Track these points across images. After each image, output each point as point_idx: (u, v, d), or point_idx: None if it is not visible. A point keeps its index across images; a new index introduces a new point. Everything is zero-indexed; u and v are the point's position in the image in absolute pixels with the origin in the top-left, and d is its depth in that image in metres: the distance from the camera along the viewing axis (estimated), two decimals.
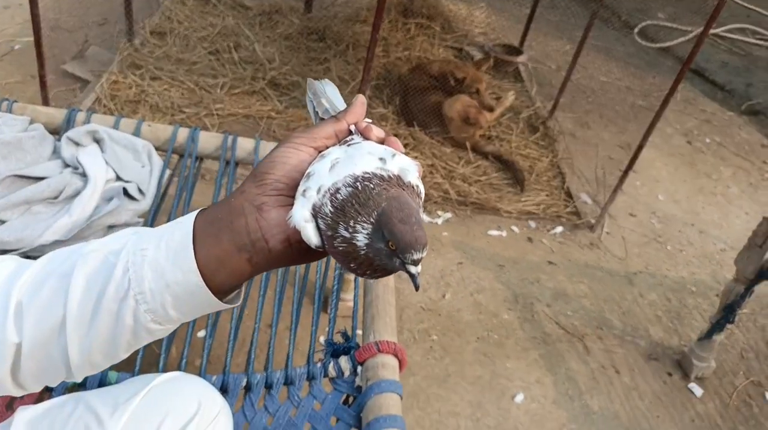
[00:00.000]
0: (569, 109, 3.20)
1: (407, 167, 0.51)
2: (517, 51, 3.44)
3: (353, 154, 0.50)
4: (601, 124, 3.22)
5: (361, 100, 0.55)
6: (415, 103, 2.70)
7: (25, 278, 0.52)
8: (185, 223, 0.49)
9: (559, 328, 2.06)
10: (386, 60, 3.15)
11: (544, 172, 2.73)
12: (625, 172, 2.39)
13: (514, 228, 2.45)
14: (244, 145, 1.53)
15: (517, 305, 2.12)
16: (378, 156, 0.50)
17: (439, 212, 2.42)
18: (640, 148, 2.34)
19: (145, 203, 1.35)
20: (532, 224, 2.50)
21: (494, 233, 2.40)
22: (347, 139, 0.54)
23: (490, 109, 2.74)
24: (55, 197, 1.24)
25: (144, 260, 0.47)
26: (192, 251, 0.47)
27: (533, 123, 3.03)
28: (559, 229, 2.49)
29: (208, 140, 1.52)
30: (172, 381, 0.87)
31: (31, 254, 1.18)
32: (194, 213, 0.50)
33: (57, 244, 1.19)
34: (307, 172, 0.49)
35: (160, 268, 0.47)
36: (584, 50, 2.89)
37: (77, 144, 1.34)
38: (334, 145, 0.53)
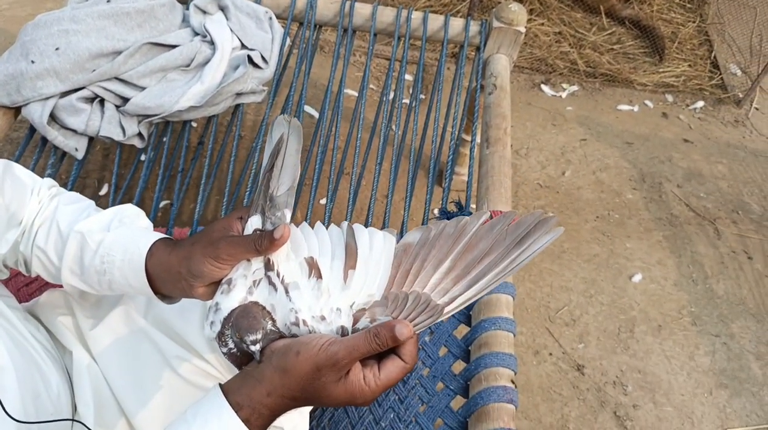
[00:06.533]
0: None
1: None
2: None
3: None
4: None
5: (285, 235, 0.59)
6: None
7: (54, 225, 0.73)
8: (140, 259, 0.67)
9: (688, 210, 1.95)
10: None
11: (689, 39, 2.44)
12: None
13: (648, 102, 2.26)
14: (362, 11, 1.50)
15: (644, 184, 2.00)
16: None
17: (564, 85, 2.28)
18: None
19: (269, 71, 1.38)
20: (669, 97, 2.29)
21: (625, 107, 2.24)
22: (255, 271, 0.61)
23: None
24: (188, 65, 1.30)
25: (113, 264, 0.69)
26: (144, 273, 0.67)
27: None
28: (700, 104, 2.27)
29: (327, 6, 1.50)
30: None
31: (170, 119, 1.28)
32: (147, 248, 0.67)
33: (192, 109, 1.27)
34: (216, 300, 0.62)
35: (125, 274, 0.69)
36: None
37: (204, 12, 1.37)
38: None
